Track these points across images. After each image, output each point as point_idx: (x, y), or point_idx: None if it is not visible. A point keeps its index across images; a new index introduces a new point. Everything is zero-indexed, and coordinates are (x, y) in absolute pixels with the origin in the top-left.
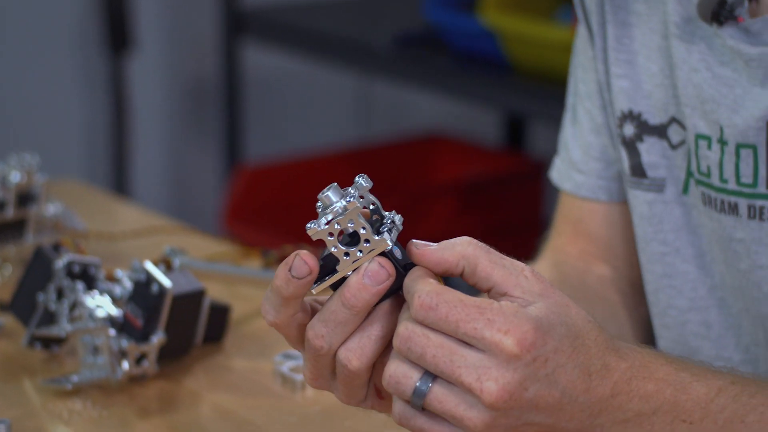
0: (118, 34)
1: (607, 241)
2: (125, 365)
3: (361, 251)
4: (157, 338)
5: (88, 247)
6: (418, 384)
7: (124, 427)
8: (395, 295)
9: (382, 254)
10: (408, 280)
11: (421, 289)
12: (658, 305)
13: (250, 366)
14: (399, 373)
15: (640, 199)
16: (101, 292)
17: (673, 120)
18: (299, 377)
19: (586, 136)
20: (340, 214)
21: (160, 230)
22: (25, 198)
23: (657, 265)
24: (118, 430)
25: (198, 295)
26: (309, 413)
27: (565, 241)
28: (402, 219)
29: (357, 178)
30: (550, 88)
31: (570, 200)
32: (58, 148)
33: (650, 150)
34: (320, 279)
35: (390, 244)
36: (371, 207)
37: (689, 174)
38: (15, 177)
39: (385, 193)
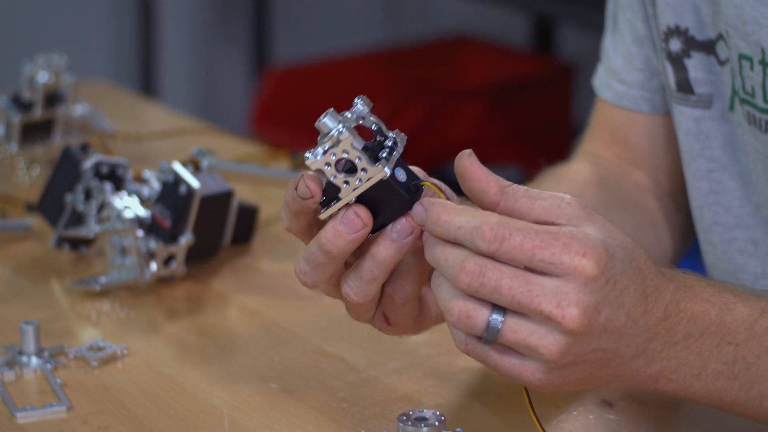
0: None
1: (647, 152)
2: (153, 266)
3: (360, 179)
4: (185, 239)
5: (115, 148)
6: (490, 319)
7: (151, 328)
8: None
9: (382, 181)
10: (455, 217)
11: (488, 221)
12: (703, 222)
13: (278, 268)
14: (467, 311)
15: (686, 116)
16: (129, 193)
17: (720, 36)
18: None
19: (628, 45)
20: (335, 145)
21: (188, 131)
22: (53, 98)
23: (703, 181)
24: (146, 332)
25: (226, 196)
26: (337, 316)
27: (601, 146)
28: (405, 139)
29: (356, 101)
30: None
31: (609, 108)
32: (86, 48)
33: (698, 66)
34: (327, 204)
35: (387, 171)
36: (373, 128)
37: (734, 92)
38: (43, 77)
39: (413, 95)
